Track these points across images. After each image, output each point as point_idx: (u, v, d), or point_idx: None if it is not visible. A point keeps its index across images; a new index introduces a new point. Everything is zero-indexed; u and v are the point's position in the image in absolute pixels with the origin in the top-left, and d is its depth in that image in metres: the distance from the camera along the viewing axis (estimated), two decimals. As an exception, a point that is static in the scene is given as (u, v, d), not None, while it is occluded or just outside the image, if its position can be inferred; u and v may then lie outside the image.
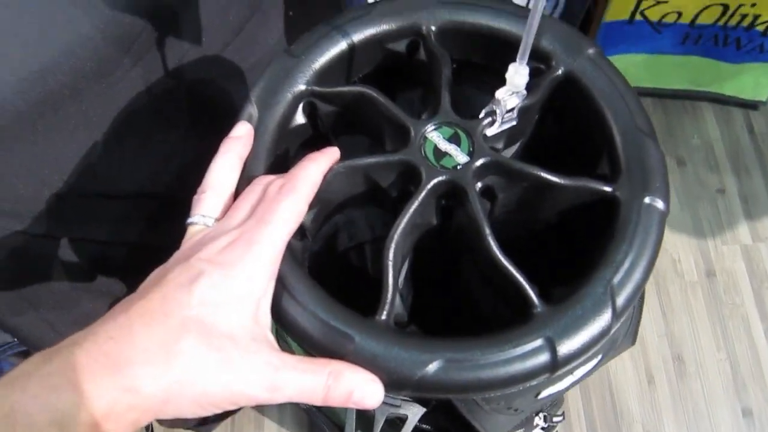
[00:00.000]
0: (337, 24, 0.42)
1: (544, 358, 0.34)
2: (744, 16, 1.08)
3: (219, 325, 0.32)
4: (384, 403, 0.46)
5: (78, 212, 0.57)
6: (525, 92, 0.38)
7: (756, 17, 1.07)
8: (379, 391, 0.33)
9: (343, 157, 0.39)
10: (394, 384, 0.33)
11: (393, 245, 0.36)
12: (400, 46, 0.44)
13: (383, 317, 0.35)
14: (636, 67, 1.22)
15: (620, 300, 0.35)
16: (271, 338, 0.34)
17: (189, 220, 0.37)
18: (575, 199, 0.39)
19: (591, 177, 0.39)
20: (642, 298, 0.44)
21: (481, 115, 0.39)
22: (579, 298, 0.35)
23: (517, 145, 0.44)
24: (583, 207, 0.40)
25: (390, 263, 0.36)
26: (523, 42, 0.35)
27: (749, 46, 1.15)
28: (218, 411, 0.33)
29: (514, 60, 0.37)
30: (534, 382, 0.34)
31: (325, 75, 0.42)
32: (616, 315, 0.35)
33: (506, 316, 0.37)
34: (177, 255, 0.36)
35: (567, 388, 0.46)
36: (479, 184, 0.40)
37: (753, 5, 1.04)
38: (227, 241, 0.34)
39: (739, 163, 1.29)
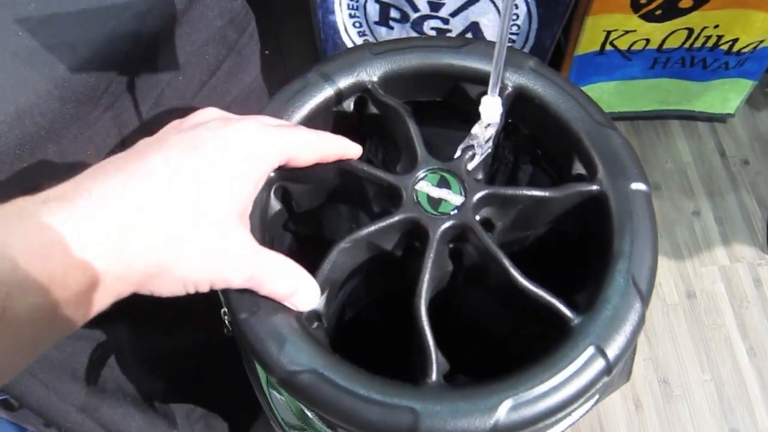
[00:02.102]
0: (286, 108, 0.42)
1: (599, 364, 0.34)
2: (708, 38, 1.11)
3: (210, 204, 0.31)
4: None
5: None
6: (497, 124, 0.39)
7: (719, 37, 1.11)
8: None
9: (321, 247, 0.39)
10: None
11: (423, 304, 0.37)
12: (348, 105, 0.45)
13: (433, 378, 0.35)
14: (609, 94, 1.24)
15: (643, 285, 0.37)
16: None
17: None
18: (566, 206, 0.41)
19: (571, 180, 0.41)
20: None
21: (458, 153, 0.40)
22: (606, 297, 0.36)
23: (487, 169, 0.45)
24: (573, 211, 0.41)
25: (425, 323, 0.36)
26: (492, 74, 0.36)
27: (715, 64, 1.18)
28: (193, 291, 0.32)
29: (465, 92, 0.38)
30: (594, 390, 0.35)
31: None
32: (644, 301, 0.36)
33: (530, 336, 0.37)
34: (174, 123, 0.35)
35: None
36: (478, 218, 0.40)
37: (716, 27, 1.07)
38: (233, 119, 0.34)
39: (713, 186, 1.31)
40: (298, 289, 0.36)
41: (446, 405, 0.33)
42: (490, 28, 0.95)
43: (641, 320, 0.36)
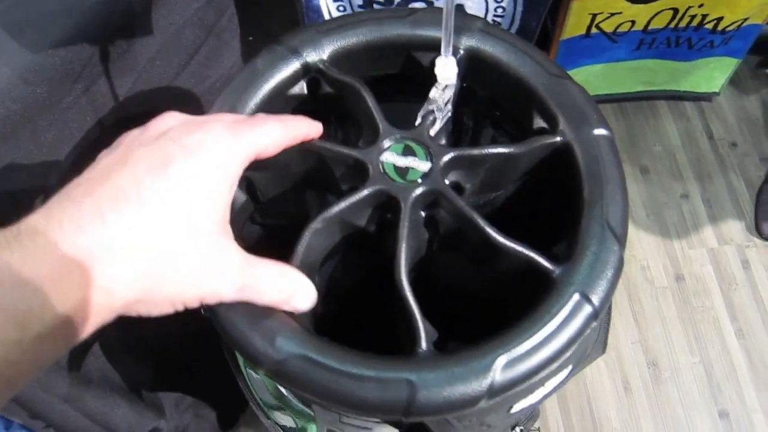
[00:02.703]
0: (239, 99, 0.41)
1: (586, 310, 0.35)
2: (693, 17, 1.10)
3: (195, 217, 0.30)
4: (355, 426, 0.44)
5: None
6: (456, 82, 0.39)
7: (704, 16, 1.10)
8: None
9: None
10: (467, 403, 0.33)
11: (404, 274, 0.36)
12: (300, 88, 0.44)
13: (423, 347, 0.34)
14: (595, 76, 1.24)
15: (618, 228, 0.37)
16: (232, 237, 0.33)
17: None
18: (533, 161, 0.41)
19: (534, 135, 0.41)
20: (610, 306, 0.44)
21: (419, 120, 0.40)
22: (584, 244, 0.36)
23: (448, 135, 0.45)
24: (540, 166, 0.41)
25: (408, 293, 0.36)
26: (444, 35, 0.36)
27: (700, 43, 1.18)
28: (182, 309, 0.31)
29: (417, 61, 0.38)
30: (586, 334, 0.35)
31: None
32: (621, 243, 0.36)
33: (514, 295, 0.37)
34: (133, 134, 0.33)
35: (540, 401, 0.46)
36: (447, 182, 0.40)
37: (700, 6, 1.07)
38: (195, 125, 0.32)
39: (701, 169, 1.32)
40: (294, 292, 0.35)
41: (441, 371, 0.33)
42: (474, 9, 0.94)
43: (620, 262, 0.36)
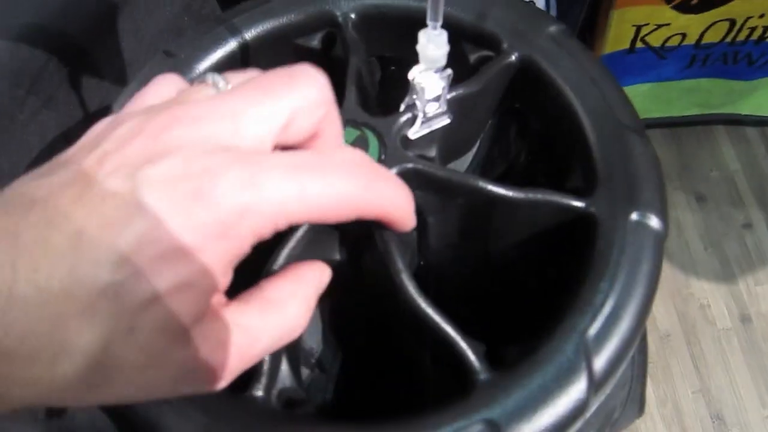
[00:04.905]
0: (227, 18, 0.33)
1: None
2: (753, 29, 1.00)
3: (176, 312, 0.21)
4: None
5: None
6: (450, 71, 0.29)
7: (766, 29, 1.00)
8: None
9: None
10: (574, 413, 0.24)
11: (413, 291, 0.27)
12: (313, 41, 0.35)
13: (480, 372, 0.26)
14: (642, 97, 1.14)
15: (599, 363, 0.25)
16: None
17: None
18: (537, 222, 0.29)
19: (562, 191, 0.29)
20: (645, 361, 0.34)
21: (402, 108, 0.30)
22: (539, 360, 0.25)
23: (469, 159, 0.35)
24: (552, 233, 0.30)
25: (431, 312, 0.27)
26: (430, 2, 0.25)
27: (762, 60, 1.07)
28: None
29: (462, 53, 0.28)
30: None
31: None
32: (593, 385, 0.24)
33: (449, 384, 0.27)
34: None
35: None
36: None
37: (761, 16, 0.96)
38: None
39: (765, 195, 1.20)
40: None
41: (521, 390, 0.24)
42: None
43: (577, 411, 0.25)
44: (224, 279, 0.21)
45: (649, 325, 1.09)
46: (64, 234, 0.19)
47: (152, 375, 0.20)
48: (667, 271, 1.14)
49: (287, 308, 0.23)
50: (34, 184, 0.20)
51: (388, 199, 0.23)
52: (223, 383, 0.22)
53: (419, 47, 0.27)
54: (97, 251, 0.19)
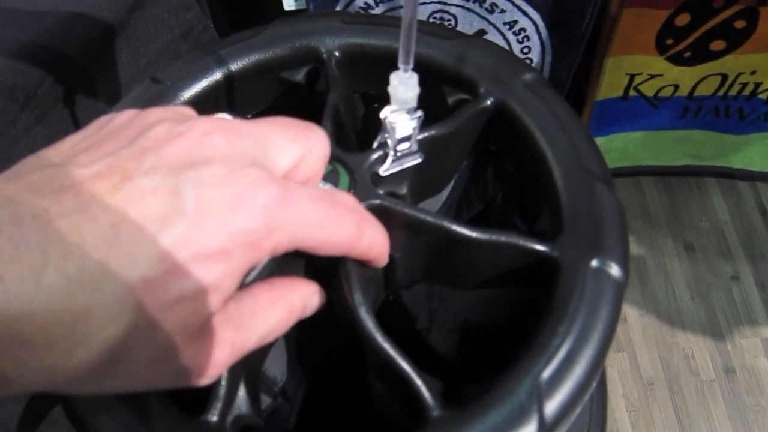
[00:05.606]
0: (216, 49, 0.34)
1: None
2: (744, 85, 1.01)
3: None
4: None
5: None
6: (420, 112, 0.29)
7: (757, 85, 1.01)
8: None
9: None
10: None
11: (372, 327, 0.27)
12: (298, 75, 0.36)
13: (433, 409, 0.26)
14: (635, 145, 1.15)
15: (551, 406, 0.25)
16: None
17: None
18: (500, 262, 0.30)
19: (528, 235, 0.29)
20: (605, 395, 0.34)
21: (375, 144, 0.31)
22: (492, 400, 0.25)
23: (443, 198, 0.35)
24: (515, 275, 0.30)
25: (388, 348, 0.27)
26: (401, 45, 0.26)
27: (753, 115, 1.07)
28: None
29: (441, 94, 0.29)
30: None
31: (197, 108, 0.34)
32: (544, 429, 0.24)
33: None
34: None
35: None
36: None
37: (753, 73, 0.98)
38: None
39: (753, 248, 1.20)
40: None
41: (471, 430, 0.24)
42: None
43: None
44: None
45: (633, 372, 1.08)
46: (101, 225, 0.19)
47: (159, 370, 0.21)
48: (653, 318, 1.13)
49: (275, 310, 0.25)
50: (60, 170, 0.20)
51: (378, 242, 0.26)
52: (214, 378, 0.23)
53: (390, 89, 0.28)
54: (134, 246, 0.19)
